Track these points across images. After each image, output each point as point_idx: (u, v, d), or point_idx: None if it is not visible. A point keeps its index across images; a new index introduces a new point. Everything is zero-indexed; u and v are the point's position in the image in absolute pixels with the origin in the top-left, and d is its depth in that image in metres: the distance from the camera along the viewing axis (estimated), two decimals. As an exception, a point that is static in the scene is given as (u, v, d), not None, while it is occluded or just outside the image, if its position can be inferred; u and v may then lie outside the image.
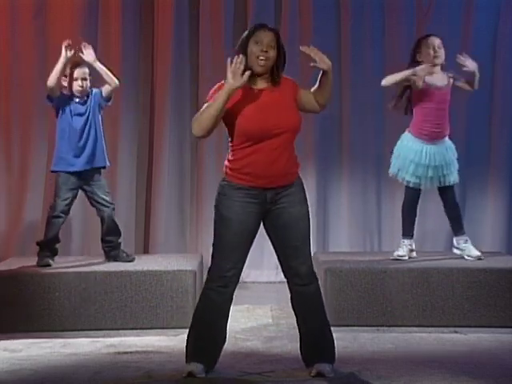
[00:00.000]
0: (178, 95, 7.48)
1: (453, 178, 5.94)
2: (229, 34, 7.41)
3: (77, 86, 5.85)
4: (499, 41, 7.45)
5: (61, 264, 5.85)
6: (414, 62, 5.88)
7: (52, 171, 5.97)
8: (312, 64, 4.23)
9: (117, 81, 5.96)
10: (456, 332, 5.41)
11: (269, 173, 4.18)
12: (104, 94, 5.98)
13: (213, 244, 4.28)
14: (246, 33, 4.25)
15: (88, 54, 5.88)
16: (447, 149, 5.93)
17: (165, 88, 7.45)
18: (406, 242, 5.97)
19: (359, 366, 4.52)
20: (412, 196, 5.95)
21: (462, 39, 7.37)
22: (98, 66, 5.92)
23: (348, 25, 7.46)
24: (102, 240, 6.03)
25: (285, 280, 4.38)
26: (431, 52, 5.83)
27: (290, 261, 4.27)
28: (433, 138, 5.87)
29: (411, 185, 5.90)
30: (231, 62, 4.09)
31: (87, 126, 5.89)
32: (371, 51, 7.47)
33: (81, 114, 5.88)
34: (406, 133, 5.97)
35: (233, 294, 4.32)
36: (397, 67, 7.37)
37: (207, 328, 4.29)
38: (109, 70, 5.97)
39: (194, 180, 7.60)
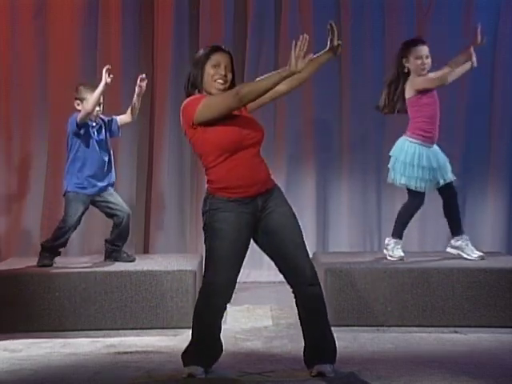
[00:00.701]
0: (178, 95, 7.46)
1: (450, 175, 5.94)
2: (229, 33, 7.41)
3: (96, 111, 5.85)
4: (499, 41, 7.45)
5: (61, 264, 5.85)
6: (401, 67, 5.86)
7: (67, 192, 5.91)
8: (336, 42, 4.32)
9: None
10: (456, 332, 5.41)
11: (255, 180, 4.22)
12: (119, 123, 6.01)
13: (205, 258, 4.25)
14: (202, 54, 4.27)
15: (144, 86, 5.97)
16: (438, 151, 5.93)
17: (165, 88, 7.45)
18: (399, 242, 5.96)
19: (359, 366, 4.52)
20: (420, 201, 5.92)
21: (461, 39, 7.36)
22: (140, 98, 6.00)
23: (348, 25, 7.45)
24: (108, 242, 6.01)
25: (285, 280, 4.37)
26: (418, 62, 5.82)
27: (293, 261, 4.25)
28: (435, 139, 5.88)
29: (419, 189, 5.88)
30: (295, 45, 4.03)
31: (103, 154, 5.90)
32: (371, 51, 7.47)
33: (98, 143, 5.88)
34: (404, 138, 5.93)
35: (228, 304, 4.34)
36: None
37: (206, 338, 4.29)
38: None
39: (193, 180, 7.60)
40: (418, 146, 5.85)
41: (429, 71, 5.88)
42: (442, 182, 5.90)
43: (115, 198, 5.97)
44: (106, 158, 5.93)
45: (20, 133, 7.45)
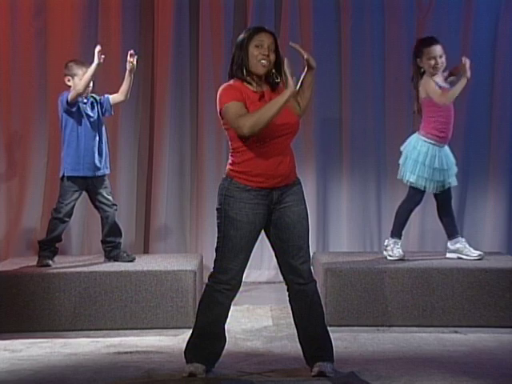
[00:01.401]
0: (178, 95, 7.48)
1: (454, 179, 5.95)
2: (229, 33, 7.40)
3: (88, 89, 5.87)
4: (499, 41, 7.44)
5: (61, 264, 5.85)
6: (416, 66, 5.86)
7: (61, 177, 5.94)
8: (305, 56, 4.28)
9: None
10: (456, 332, 5.41)
11: (278, 172, 4.22)
12: (111, 102, 6.01)
13: (217, 247, 4.27)
14: (246, 35, 4.24)
15: (134, 62, 5.95)
16: (448, 153, 5.94)
17: (165, 88, 7.44)
18: (398, 241, 5.96)
19: (359, 366, 4.52)
20: (420, 199, 5.92)
21: (462, 39, 7.37)
22: (132, 76, 5.98)
23: (348, 25, 7.44)
24: (103, 241, 6.03)
25: (280, 274, 4.38)
26: (432, 63, 5.81)
27: (293, 260, 4.27)
28: (448, 140, 5.88)
29: (426, 189, 5.87)
30: (288, 65, 4.11)
31: (96, 132, 5.91)
32: (371, 51, 7.46)
33: (90, 120, 5.89)
34: (417, 135, 5.92)
35: (236, 295, 4.34)
36: (397, 67, 7.41)
37: (211, 330, 4.30)
38: None
39: (193, 180, 7.59)
40: (432, 146, 5.84)
41: (444, 70, 5.86)
42: (447, 186, 5.90)
43: (107, 191, 5.96)
44: (98, 137, 5.92)
45: (20, 133, 7.44)
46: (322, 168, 7.55)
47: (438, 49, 5.82)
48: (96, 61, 5.74)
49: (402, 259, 5.86)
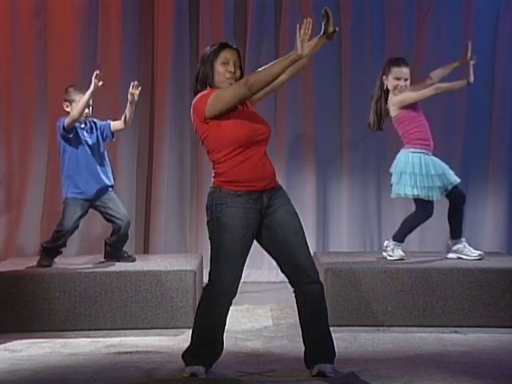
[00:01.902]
0: (178, 95, 7.48)
1: (455, 177, 5.95)
2: (229, 33, 7.41)
3: (86, 113, 5.83)
4: (499, 41, 7.44)
5: (61, 264, 5.85)
6: (382, 83, 5.90)
7: (65, 199, 5.90)
8: (325, 23, 4.24)
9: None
10: (456, 332, 5.41)
11: (264, 175, 4.25)
12: (112, 129, 5.99)
13: (212, 257, 4.24)
14: (211, 51, 4.26)
15: (137, 94, 5.90)
16: (436, 158, 5.93)
17: (165, 88, 7.45)
18: (399, 244, 5.96)
19: (359, 366, 4.52)
20: (430, 211, 5.90)
21: (462, 39, 7.36)
22: (134, 106, 5.94)
23: (348, 25, 7.45)
24: (108, 244, 6.01)
25: (285, 280, 4.37)
26: (395, 83, 5.83)
27: (295, 259, 4.25)
28: (432, 147, 5.89)
29: (431, 198, 5.85)
30: (300, 28, 4.05)
31: (97, 157, 5.89)
32: (371, 51, 7.47)
33: (89, 145, 5.87)
34: (404, 151, 5.92)
35: (232, 301, 4.34)
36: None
37: (209, 336, 4.28)
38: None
39: (194, 180, 7.60)
40: (422, 155, 5.85)
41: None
42: (449, 187, 5.90)
43: (114, 204, 5.93)
44: (100, 161, 5.91)
45: (20, 133, 7.45)
46: (322, 168, 7.55)
47: (405, 71, 5.84)
48: (92, 87, 5.69)
49: (401, 259, 5.86)
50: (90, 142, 5.89)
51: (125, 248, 6.09)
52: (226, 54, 4.24)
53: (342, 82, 7.51)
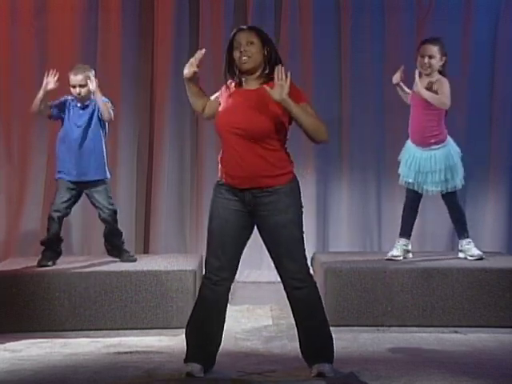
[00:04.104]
0: (178, 95, 7.47)
1: (452, 184, 5.93)
2: (229, 33, 7.31)
3: (74, 93, 5.85)
4: (499, 41, 7.44)
5: (61, 264, 5.85)
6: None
7: (56, 179, 5.98)
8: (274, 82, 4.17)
9: (111, 117, 5.93)
10: (456, 332, 5.41)
11: (237, 173, 4.22)
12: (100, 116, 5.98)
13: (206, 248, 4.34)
14: (229, 40, 4.33)
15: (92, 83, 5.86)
16: (430, 157, 5.91)
17: (165, 88, 7.45)
18: (402, 241, 5.97)
19: (359, 366, 4.52)
20: (412, 198, 5.96)
21: (461, 39, 7.37)
22: (98, 96, 5.86)
23: (348, 25, 7.45)
24: (105, 239, 6.04)
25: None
26: (420, 60, 5.82)
27: (280, 266, 4.27)
28: (416, 143, 5.90)
29: (406, 186, 5.94)
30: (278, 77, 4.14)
31: (86, 137, 5.88)
32: (371, 51, 7.47)
33: (79, 125, 5.87)
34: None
35: (227, 294, 4.32)
36: (397, 67, 7.39)
37: (201, 326, 4.29)
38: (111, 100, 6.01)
39: (193, 180, 7.60)
40: (411, 147, 5.92)
41: (441, 71, 5.86)
42: (442, 188, 5.91)
43: (102, 197, 5.92)
44: (89, 144, 5.88)
45: (20, 133, 7.45)
46: (322, 168, 7.55)
47: (428, 48, 5.81)
48: (43, 84, 5.86)
49: (393, 259, 5.86)
50: (78, 123, 5.88)
51: (125, 247, 6.08)
52: (237, 38, 4.28)
53: (342, 81, 7.50)
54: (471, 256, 5.91)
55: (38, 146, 7.42)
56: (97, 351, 4.97)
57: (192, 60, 4.30)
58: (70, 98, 5.93)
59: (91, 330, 5.45)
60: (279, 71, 4.11)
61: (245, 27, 4.34)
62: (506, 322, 5.53)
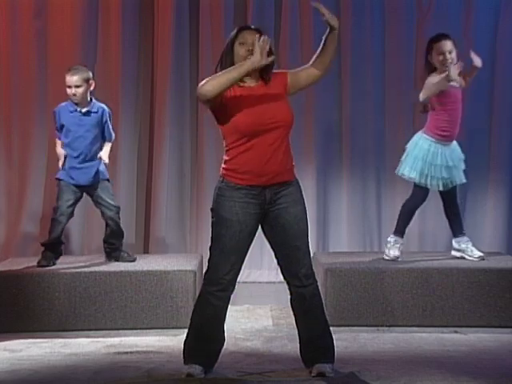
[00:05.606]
0: (178, 95, 7.48)
1: (461, 177, 5.94)
2: (229, 33, 7.36)
3: (70, 93, 5.84)
4: (499, 41, 7.44)
5: (61, 264, 5.85)
6: (428, 63, 5.85)
7: (56, 178, 5.97)
8: (324, 18, 4.21)
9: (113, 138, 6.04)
10: (456, 332, 5.41)
11: (266, 170, 4.16)
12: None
13: (210, 247, 4.26)
14: (231, 36, 4.29)
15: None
16: (456, 149, 5.93)
17: (165, 88, 7.44)
18: (400, 240, 5.95)
19: (359, 366, 4.52)
20: (423, 196, 5.92)
21: (462, 39, 7.36)
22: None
23: (348, 25, 7.45)
24: (105, 241, 6.03)
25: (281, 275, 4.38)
26: (441, 58, 5.79)
27: (290, 262, 4.25)
28: (452, 138, 5.87)
29: (429, 186, 5.86)
30: (259, 39, 4.10)
31: (90, 141, 5.89)
32: (371, 51, 7.46)
33: (81, 133, 5.86)
34: (420, 133, 5.92)
35: (230, 297, 4.32)
36: (397, 67, 7.40)
37: (206, 331, 4.28)
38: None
39: (194, 180, 7.59)
40: (434, 143, 5.82)
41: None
42: (454, 182, 5.89)
43: (107, 194, 5.93)
44: (90, 148, 5.88)
45: (20, 133, 7.44)
46: (322, 168, 7.55)
47: (447, 44, 5.79)
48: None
49: (395, 260, 5.85)
50: (81, 131, 5.87)
51: (125, 248, 6.08)
52: (243, 35, 4.24)
53: (342, 81, 7.50)
54: (471, 256, 5.90)
55: (38, 146, 7.41)
56: (97, 351, 4.97)
57: (264, 47, 4.08)
58: (64, 103, 5.91)
59: (91, 329, 5.45)
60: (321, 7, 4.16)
61: (250, 27, 4.33)
62: (506, 321, 5.53)
